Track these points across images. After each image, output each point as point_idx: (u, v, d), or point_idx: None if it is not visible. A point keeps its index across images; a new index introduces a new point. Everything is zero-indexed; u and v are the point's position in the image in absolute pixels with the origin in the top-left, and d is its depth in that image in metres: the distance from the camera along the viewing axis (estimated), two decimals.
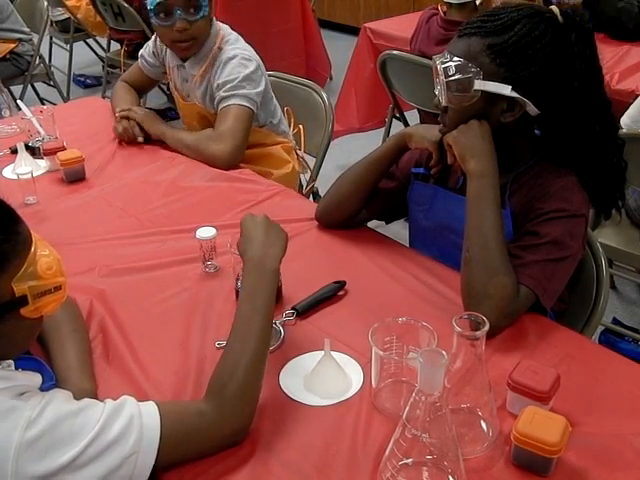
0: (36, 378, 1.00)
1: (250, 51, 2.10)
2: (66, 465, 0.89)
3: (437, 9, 2.85)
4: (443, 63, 1.30)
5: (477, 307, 1.19)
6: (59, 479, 0.89)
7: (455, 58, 1.29)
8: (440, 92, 1.33)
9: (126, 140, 2.11)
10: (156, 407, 0.98)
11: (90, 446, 0.90)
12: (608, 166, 1.35)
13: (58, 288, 0.98)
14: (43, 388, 1.01)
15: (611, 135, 1.35)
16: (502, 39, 1.26)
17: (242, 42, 2.13)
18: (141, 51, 2.30)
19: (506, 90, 1.27)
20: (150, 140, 2.14)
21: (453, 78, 1.29)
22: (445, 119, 1.37)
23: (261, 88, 2.05)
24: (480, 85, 1.28)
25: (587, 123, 1.31)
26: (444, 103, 1.33)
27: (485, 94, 1.28)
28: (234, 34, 2.14)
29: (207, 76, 2.09)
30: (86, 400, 0.97)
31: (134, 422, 0.94)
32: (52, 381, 1.14)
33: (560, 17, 1.27)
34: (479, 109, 1.31)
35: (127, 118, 2.12)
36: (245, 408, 1.05)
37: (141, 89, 2.37)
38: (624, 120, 2.13)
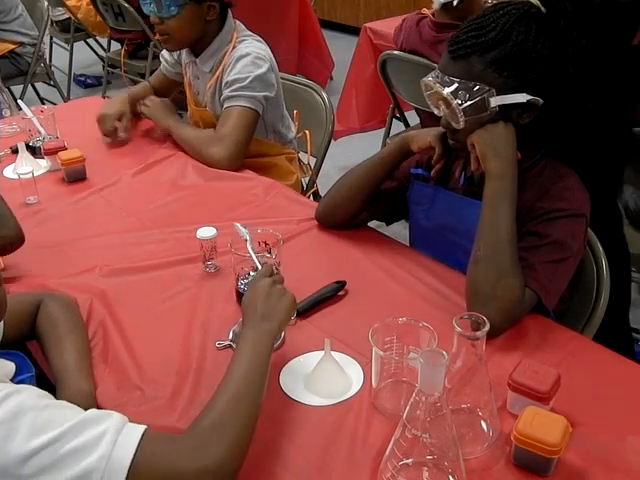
0: (7, 366, 0.96)
1: (265, 50, 2.05)
2: (18, 460, 0.82)
3: (422, 13, 2.76)
4: (445, 86, 1.27)
5: (482, 307, 1.18)
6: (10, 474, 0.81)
7: (462, 81, 1.26)
8: (452, 117, 1.30)
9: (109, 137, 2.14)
10: (142, 431, 0.88)
11: (49, 446, 0.82)
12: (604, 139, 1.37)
13: None
14: (18, 380, 0.98)
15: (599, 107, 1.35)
16: (503, 52, 1.25)
17: (257, 41, 2.08)
18: (162, 51, 2.29)
19: (522, 98, 1.26)
20: (150, 140, 2.14)
21: (468, 103, 1.26)
22: (457, 137, 1.35)
23: (271, 91, 2.02)
24: (496, 101, 1.26)
25: (581, 103, 1.31)
26: (461, 126, 1.30)
27: (501, 106, 1.27)
28: (249, 33, 2.10)
29: (218, 75, 2.05)
30: (62, 402, 0.90)
31: (106, 437, 0.85)
32: (30, 373, 1.11)
33: (543, 8, 1.26)
34: (497, 120, 1.29)
35: (119, 119, 2.14)
36: (230, 465, 0.92)
37: (164, 93, 2.29)
38: None
